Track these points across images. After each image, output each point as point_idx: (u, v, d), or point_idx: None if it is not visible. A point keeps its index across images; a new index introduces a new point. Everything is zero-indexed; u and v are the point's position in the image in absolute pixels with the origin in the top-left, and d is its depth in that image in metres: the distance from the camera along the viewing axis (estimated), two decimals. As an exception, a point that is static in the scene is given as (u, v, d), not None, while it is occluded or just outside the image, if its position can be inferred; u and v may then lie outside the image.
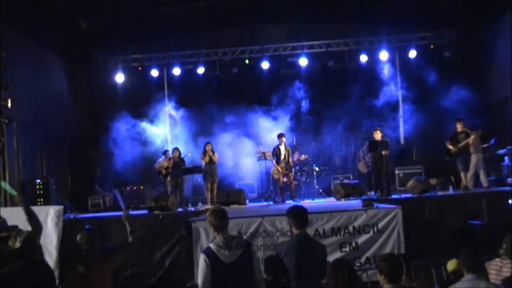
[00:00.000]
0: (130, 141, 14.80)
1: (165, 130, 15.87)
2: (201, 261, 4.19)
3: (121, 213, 5.40)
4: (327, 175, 14.56)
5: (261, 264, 4.70)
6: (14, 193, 5.34)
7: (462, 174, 11.58)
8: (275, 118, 14.86)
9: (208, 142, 12.78)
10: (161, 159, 13.58)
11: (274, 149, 12.87)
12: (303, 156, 13.20)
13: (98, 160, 15.19)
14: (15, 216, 8.86)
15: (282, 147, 12.77)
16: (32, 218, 4.93)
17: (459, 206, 9.66)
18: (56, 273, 8.78)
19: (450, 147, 11.57)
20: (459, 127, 11.54)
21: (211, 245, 4.26)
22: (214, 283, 4.13)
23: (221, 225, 4.31)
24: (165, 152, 13.65)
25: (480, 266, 4.43)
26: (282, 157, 12.69)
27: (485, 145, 12.39)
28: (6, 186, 5.69)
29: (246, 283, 4.22)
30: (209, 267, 4.13)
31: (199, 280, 4.21)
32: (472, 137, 11.25)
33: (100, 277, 4.72)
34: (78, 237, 4.87)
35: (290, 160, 12.79)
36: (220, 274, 4.13)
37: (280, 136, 12.88)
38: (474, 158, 11.29)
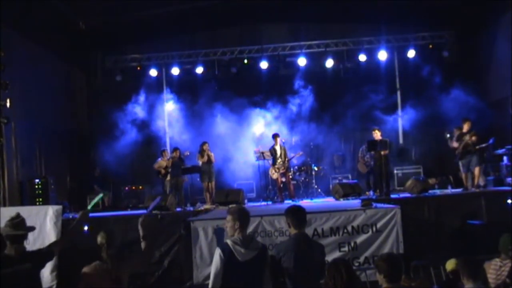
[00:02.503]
0: (129, 141, 14.79)
1: (164, 130, 15.87)
2: (216, 255, 4.28)
3: (121, 212, 5.43)
4: (326, 175, 14.57)
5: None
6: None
7: (463, 175, 11.55)
8: (274, 118, 14.88)
9: (205, 142, 12.78)
10: (159, 159, 13.57)
11: (270, 150, 12.88)
12: (298, 153, 13.20)
13: (97, 159, 15.18)
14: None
15: (277, 147, 12.78)
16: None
17: (458, 206, 9.65)
18: (54, 274, 8.85)
19: (455, 145, 11.46)
20: (465, 127, 11.45)
21: (228, 241, 4.34)
22: (225, 279, 4.20)
23: (243, 224, 4.42)
24: (163, 152, 13.63)
25: (479, 273, 4.42)
26: (278, 155, 12.70)
27: (484, 145, 12.40)
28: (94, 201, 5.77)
29: (256, 284, 4.28)
30: (223, 262, 4.21)
31: (211, 273, 4.29)
32: (473, 137, 11.21)
33: (118, 277, 4.73)
34: (98, 237, 4.87)
35: (287, 158, 12.77)
36: (232, 270, 4.21)
37: (275, 136, 12.87)
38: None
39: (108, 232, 4.94)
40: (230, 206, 7.16)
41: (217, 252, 4.29)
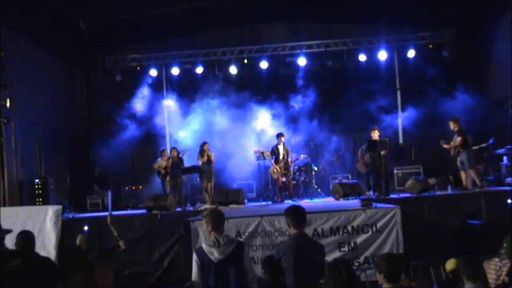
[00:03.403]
0: (129, 141, 14.80)
1: (164, 130, 15.86)
2: (193, 261, 4.39)
3: (120, 212, 5.46)
4: (326, 174, 14.56)
5: (258, 264, 4.73)
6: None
7: (462, 174, 11.60)
8: (273, 118, 14.87)
9: (205, 142, 12.78)
10: (159, 159, 13.57)
11: (272, 149, 12.91)
12: (302, 155, 13.21)
13: (97, 159, 15.19)
14: (14, 216, 8.91)
15: (280, 147, 12.82)
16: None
17: (458, 206, 9.66)
18: (55, 273, 8.82)
19: (446, 146, 11.60)
20: (452, 126, 11.54)
21: (203, 244, 4.42)
22: (204, 282, 4.28)
23: (217, 225, 4.42)
24: (162, 152, 13.63)
25: (480, 274, 4.41)
26: (281, 156, 12.73)
27: (484, 145, 12.45)
28: None
29: (235, 282, 4.28)
30: (199, 266, 4.32)
31: (192, 278, 4.39)
32: (458, 137, 11.31)
33: (103, 278, 4.74)
34: (77, 240, 4.88)
35: (289, 159, 12.81)
36: (209, 272, 4.28)
37: (279, 135, 12.91)
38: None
39: (87, 237, 4.97)
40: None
41: (193, 257, 4.39)
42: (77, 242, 5.02)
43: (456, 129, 11.41)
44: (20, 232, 5.12)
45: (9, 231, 4.72)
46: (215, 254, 4.26)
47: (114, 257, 5.23)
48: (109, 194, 6.42)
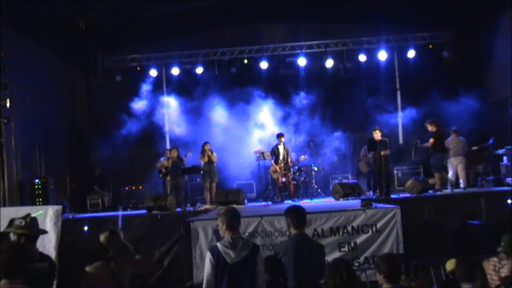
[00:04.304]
0: (129, 141, 14.79)
1: (164, 130, 15.86)
2: (207, 259, 4.29)
3: (118, 213, 5.43)
4: (326, 175, 14.57)
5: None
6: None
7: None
8: (273, 118, 14.86)
9: (207, 142, 12.79)
10: (162, 159, 13.57)
11: (272, 149, 12.92)
12: (302, 156, 13.21)
13: (97, 159, 15.18)
14: (14, 216, 8.89)
15: (280, 147, 12.82)
16: None
17: (458, 206, 9.66)
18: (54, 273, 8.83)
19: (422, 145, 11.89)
20: (429, 128, 11.69)
21: (218, 244, 4.33)
22: (217, 282, 4.21)
23: (232, 225, 4.38)
24: (166, 152, 13.63)
25: (476, 275, 4.40)
26: (281, 157, 12.74)
27: (484, 145, 12.46)
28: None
29: (247, 284, 4.24)
30: (213, 266, 4.22)
31: (204, 277, 4.29)
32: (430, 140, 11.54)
33: (124, 278, 4.72)
34: (102, 237, 4.84)
35: (289, 160, 12.82)
36: (222, 273, 4.20)
37: (279, 136, 12.92)
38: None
39: (111, 232, 4.92)
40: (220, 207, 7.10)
41: (208, 256, 4.30)
42: (102, 240, 4.97)
43: (433, 130, 11.49)
44: None
45: (44, 231, 4.73)
46: (231, 256, 4.20)
47: (131, 264, 5.19)
48: (120, 215, 6.40)
